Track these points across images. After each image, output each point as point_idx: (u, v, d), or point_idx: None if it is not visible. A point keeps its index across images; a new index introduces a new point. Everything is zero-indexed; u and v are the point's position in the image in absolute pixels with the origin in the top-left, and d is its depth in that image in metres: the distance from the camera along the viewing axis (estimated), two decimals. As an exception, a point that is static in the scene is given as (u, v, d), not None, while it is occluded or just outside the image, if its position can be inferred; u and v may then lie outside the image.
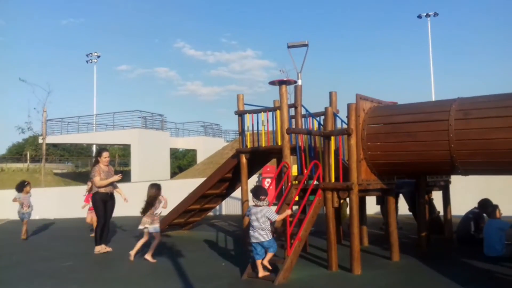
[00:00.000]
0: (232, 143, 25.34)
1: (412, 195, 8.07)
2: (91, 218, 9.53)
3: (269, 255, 5.65)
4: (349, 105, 5.93)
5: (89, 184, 9.15)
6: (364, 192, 6.28)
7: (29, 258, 7.82)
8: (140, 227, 7.12)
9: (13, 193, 10.82)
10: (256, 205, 5.65)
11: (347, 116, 5.99)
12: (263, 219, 5.56)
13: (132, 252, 7.15)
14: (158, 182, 7.58)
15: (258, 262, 5.62)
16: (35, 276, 6.30)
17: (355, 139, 5.89)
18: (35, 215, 12.17)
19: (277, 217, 5.71)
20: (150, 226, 7.08)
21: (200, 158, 32.20)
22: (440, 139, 5.43)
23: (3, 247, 9.34)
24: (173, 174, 31.98)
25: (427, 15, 40.81)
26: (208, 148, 31.42)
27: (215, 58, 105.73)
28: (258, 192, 5.69)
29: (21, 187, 10.52)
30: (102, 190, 7.82)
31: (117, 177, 7.90)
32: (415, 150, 5.62)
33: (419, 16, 41.21)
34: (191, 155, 42.00)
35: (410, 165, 5.90)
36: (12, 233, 11.58)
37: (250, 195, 6.25)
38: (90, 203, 8.67)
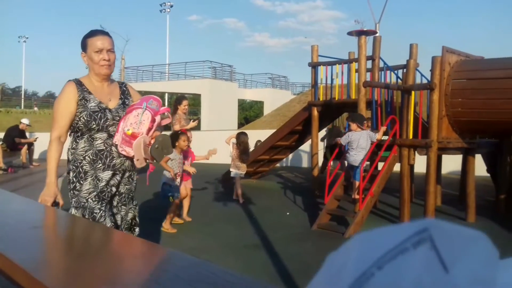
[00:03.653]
0: (299, 96, 25.10)
1: (492, 156, 7.65)
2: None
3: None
4: (433, 58, 5.61)
5: None
6: (442, 150, 6.04)
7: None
8: (240, 172, 7.59)
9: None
10: (355, 130, 5.90)
11: (430, 70, 5.68)
12: (366, 142, 5.81)
13: (240, 196, 7.57)
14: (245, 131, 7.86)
15: (356, 182, 5.90)
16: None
17: (438, 95, 5.60)
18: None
19: (378, 136, 5.97)
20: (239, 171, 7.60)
21: (267, 110, 32.29)
22: (534, 97, 5.03)
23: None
24: (240, 125, 32.48)
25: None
26: (275, 100, 31.35)
27: (283, 8, 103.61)
28: (361, 118, 6.05)
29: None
30: None
31: (195, 123, 8.09)
32: (504, 108, 5.26)
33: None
34: (258, 106, 42.25)
35: (497, 124, 5.55)
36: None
37: (320, 147, 6.30)
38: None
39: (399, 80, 7.23)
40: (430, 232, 0.28)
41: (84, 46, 2.51)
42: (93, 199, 2.46)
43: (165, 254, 0.95)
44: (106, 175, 2.49)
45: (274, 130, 9.87)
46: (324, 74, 8.13)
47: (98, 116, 2.44)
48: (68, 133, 2.54)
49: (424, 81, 6.70)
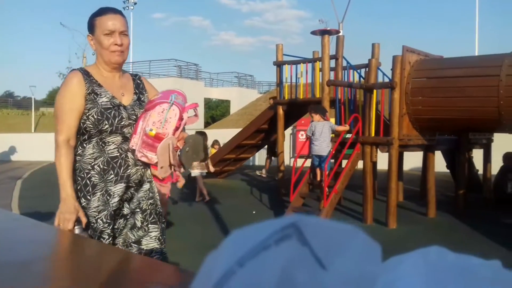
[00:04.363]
0: (265, 94, 25.21)
1: (450, 152, 7.91)
2: None
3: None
4: (394, 57, 5.74)
5: None
6: (404, 148, 6.19)
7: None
8: (196, 172, 7.52)
9: (53, 136, 11.17)
10: (318, 121, 6.04)
11: (391, 69, 5.82)
12: (328, 133, 5.95)
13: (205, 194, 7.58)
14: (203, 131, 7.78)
15: (317, 169, 6.10)
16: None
17: (398, 93, 5.73)
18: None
19: (338, 127, 6.24)
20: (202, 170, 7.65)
21: (233, 109, 32.28)
22: (490, 95, 5.22)
23: (49, 187, 9.82)
24: (207, 124, 32.33)
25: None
26: (242, 99, 31.38)
27: (249, 7, 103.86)
28: (323, 109, 6.25)
29: None
30: None
31: None
32: (462, 106, 5.44)
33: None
34: (225, 105, 42.15)
35: (455, 121, 5.74)
36: (55, 174, 12.11)
37: (286, 146, 6.38)
38: None
39: (361, 79, 7.37)
40: (299, 227, 0.28)
41: (91, 27, 2.02)
42: (104, 220, 1.96)
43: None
44: (118, 188, 1.99)
45: (240, 129, 9.87)
46: (289, 73, 8.20)
47: (112, 114, 1.96)
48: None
49: (386, 79, 6.85)
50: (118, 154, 2.00)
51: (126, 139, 2.01)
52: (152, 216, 2.11)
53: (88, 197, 1.96)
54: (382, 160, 6.57)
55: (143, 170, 2.08)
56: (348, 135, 6.35)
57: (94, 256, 1.23)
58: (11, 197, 8.33)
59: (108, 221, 1.97)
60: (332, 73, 8.02)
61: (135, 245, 2.06)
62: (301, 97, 8.10)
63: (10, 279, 0.82)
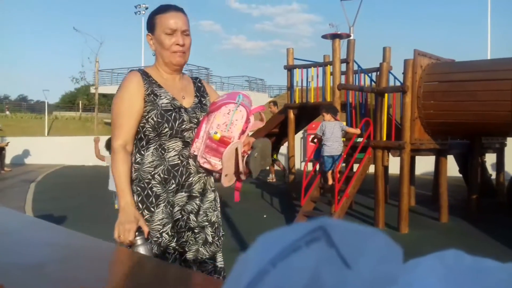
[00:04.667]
0: (276, 98, 25.23)
1: (463, 157, 7.84)
2: None
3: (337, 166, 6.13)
4: (406, 61, 5.72)
5: None
6: (415, 152, 6.16)
7: (89, 200, 8.29)
8: None
9: (66, 139, 11.31)
10: (329, 120, 6.07)
11: (403, 73, 5.80)
12: (339, 133, 5.95)
13: None
14: None
15: (329, 173, 6.02)
16: (88, 219, 6.69)
17: (410, 97, 5.71)
18: (89, 162, 12.76)
19: (350, 129, 6.28)
20: None
21: (244, 113, 32.30)
22: (502, 99, 5.18)
23: (62, 190, 9.94)
24: (218, 128, 32.36)
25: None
26: (253, 103, 31.33)
27: (259, 11, 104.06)
28: (335, 109, 6.25)
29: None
30: None
31: None
32: (474, 110, 5.41)
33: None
34: (235, 109, 42.09)
35: (467, 126, 5.70)
36: (68, 177, 12.26)
37: (297, 150, 6.36)
38: None
39: (372, 83, 7.35)
40: (326, 230, 0.29)
41: (151, 26, 1.90)
42: (170, 234, 1.80)
43: None
44: (179, 199, 1.84)
45: (251, 133, 9.88)
46: (300, 77, 8.20)
47: (172, 117, 1.81)
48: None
49: (397, 83, 6.82)
50: (179, 161, 1.84)
51: (186, 145, 1.86)
52: (220, 229, 2.00)
53: (152, 209, 1.80)
54: (394, 164, 6.54)
55: (206, 178, 1.92)
56: (360, 139, 6.33)
57: (109, 258, 1.24)
58: (24, 200, 8.45)
59: (173, 234, 1.83)
60: (343, 77, 8.02)
61: (210, 261, 1.94)
62: (312, 101, 8.09)
63: (25, 282, 0.84)
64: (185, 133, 1.84)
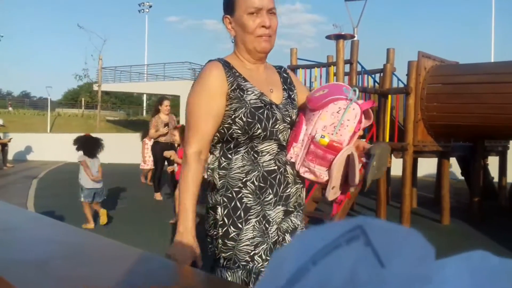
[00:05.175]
0: (279, 98, 25.24)
1: (465, 159, 7.82)
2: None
3: None
4: (409, 63, 5.71)
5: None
6: (418, 154, 6.15)
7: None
8: None
9: (69, 136, 11.30)
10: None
11: (406, 74, 5.79)
12: None
13: None
14: None
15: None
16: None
17: (413, 99, 5.70)
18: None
19: None
20: None
21: (246, 112, 32.30)
22: (506, 102, 5.17)
23: (64, 187, 9.95)
24: (220, 127, 32.34)
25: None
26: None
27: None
28: None
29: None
30: (162, 139, 8.00)
31: (165, 130, 8.01)
32: (478, 113, 5.39)
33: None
34: (238, 108, 42.14)
35: (471, 128, 5.69)
36: (70, 173, 12.26)
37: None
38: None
39: (376, 84, 7.34)
40: (364, 229, 0.29)
41: (229, 6, 1.58)
42: (264, 257, 1.47)
43: None
44: (276, 213, 1.52)
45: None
46: (303, 77, 8.19)
47: (265, 115, 1.50)
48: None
49: (401, 85, 6.81)
50: (276, 167, 1.53)
51: (282, 148, 1.55)
52: None
53: (240, 225, 1.47)
54: (396, 166, 6.53)
55: (302, 189, 1.64)
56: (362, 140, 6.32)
57: (112, 256, 1.24)
58: (26, 196, 8.46)
59: (268, 257, 1.48)
60: (346, 77, 8.00)
61: None
62: (315, 102, 8.07)
63: (27, 279, 0.84)
64: (279, 135, 1.54)
